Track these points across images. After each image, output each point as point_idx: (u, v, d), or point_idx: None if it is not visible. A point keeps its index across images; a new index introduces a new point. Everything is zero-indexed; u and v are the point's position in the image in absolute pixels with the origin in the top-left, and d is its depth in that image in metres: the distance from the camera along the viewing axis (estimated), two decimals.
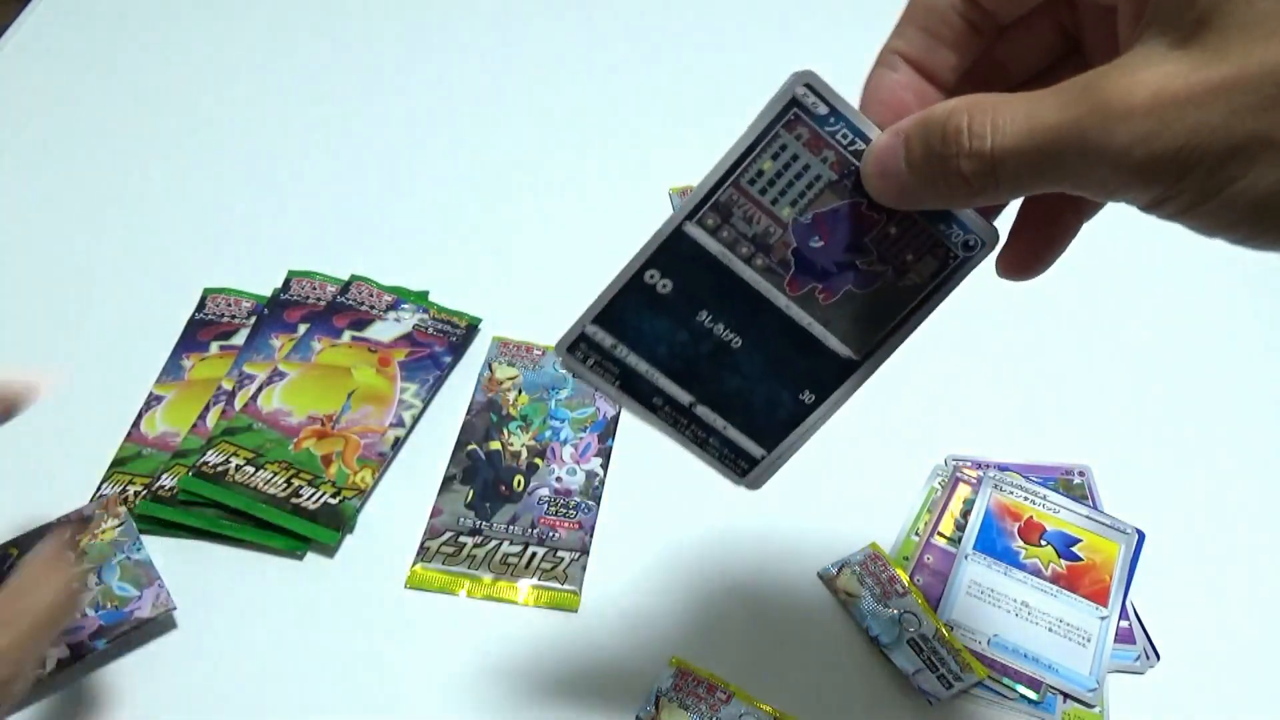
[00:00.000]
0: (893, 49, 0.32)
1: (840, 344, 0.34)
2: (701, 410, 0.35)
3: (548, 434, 0.55)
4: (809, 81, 0.31)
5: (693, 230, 0.32)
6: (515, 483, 0.53)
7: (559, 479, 0.53)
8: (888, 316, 0.33)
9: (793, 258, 0.32)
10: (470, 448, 0.55)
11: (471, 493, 0.53)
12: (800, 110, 0.31)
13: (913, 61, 0.31)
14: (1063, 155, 0.25)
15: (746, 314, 0.33)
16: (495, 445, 0.55)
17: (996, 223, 0.33)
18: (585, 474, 0.54)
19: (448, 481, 0.53)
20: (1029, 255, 0.34)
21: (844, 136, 0.31)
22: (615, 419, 0.57)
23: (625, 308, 0.33)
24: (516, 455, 0.54)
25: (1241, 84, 0.23)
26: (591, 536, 0.51)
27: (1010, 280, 0.35)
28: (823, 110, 0.31)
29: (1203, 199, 0.25)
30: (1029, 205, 0.34)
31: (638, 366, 0.34)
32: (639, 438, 0.56)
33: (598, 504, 0.53)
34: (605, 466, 0.54)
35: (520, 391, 0.57)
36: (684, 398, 0.35)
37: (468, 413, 0.56)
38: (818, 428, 0.35)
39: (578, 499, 0.53)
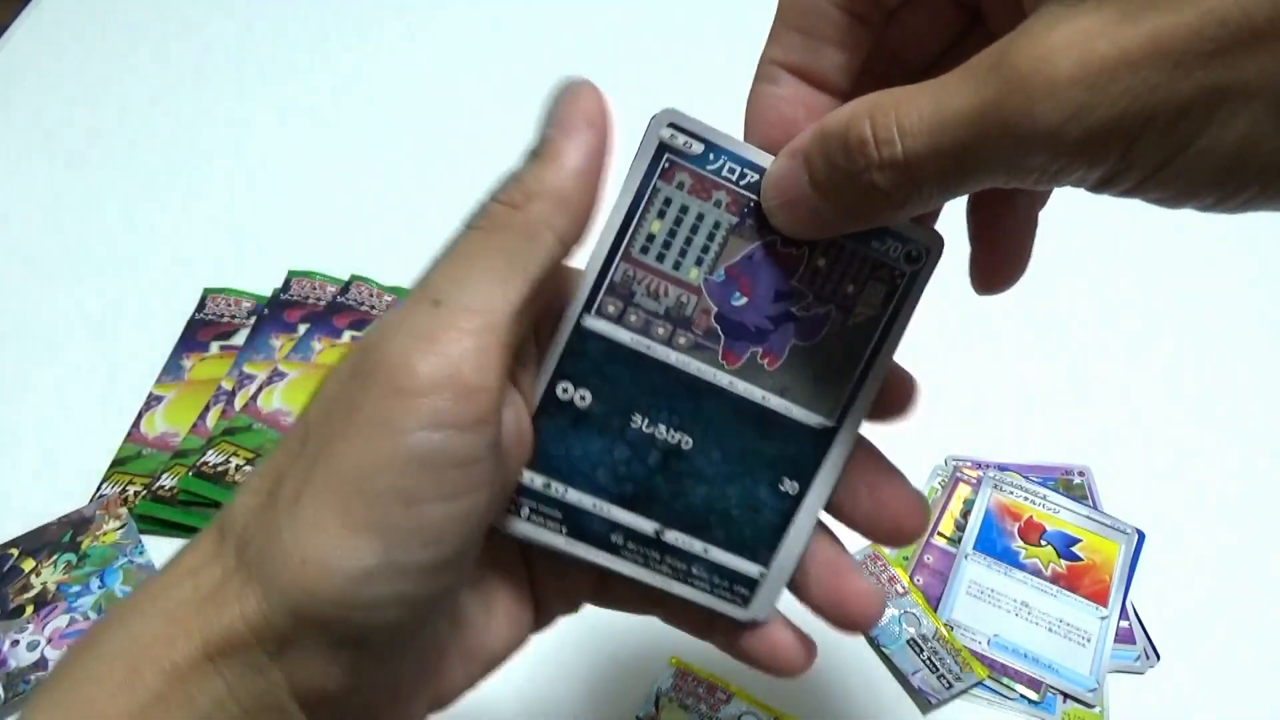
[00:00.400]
0: (770, 59, 0.27)
1: (805, 412, 0.28)
2: (672, 536, 0.29)
3: None
4: (673, 121, 0.27)
5: (594, 324, 0.27)
6: None
7: None
8: (850, 363, 0.28)
9: (718, 325, 0.28)
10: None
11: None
12: (672, 155, 0.27)
13: (795, 70, 0.27)
14: (986, 146, 0.22)
15: (687, 406, 0.28)
16: None
17: (943, 225, 0.29)
18: None
19: None
20: (997, 262, 0.30)
21: (731, 172, 0.27)
22: None
23: (545, 436, 0.28)
24: None
25: (1179, 34, 0.20)
26: None
27: (991, 294, 0.30)
28: (697, 149, 0.27)
29: (1158, 167, 0.21)
30: (974, 208, 0.30)
31: (581, 503, 0.28)
32: None
33: None
34: None
35: None
36: (646, 526, 0.28)
37: None
38: (813, 519, 0.29)
39: None
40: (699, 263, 0.28)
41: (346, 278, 0.62)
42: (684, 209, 0.27)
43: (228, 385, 0.56)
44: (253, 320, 0.60)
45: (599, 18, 0.86)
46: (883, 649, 0.47)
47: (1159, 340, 0.63)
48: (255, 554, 0.23)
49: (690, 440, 0.28)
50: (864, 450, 0.30)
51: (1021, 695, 0.46)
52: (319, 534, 0.23)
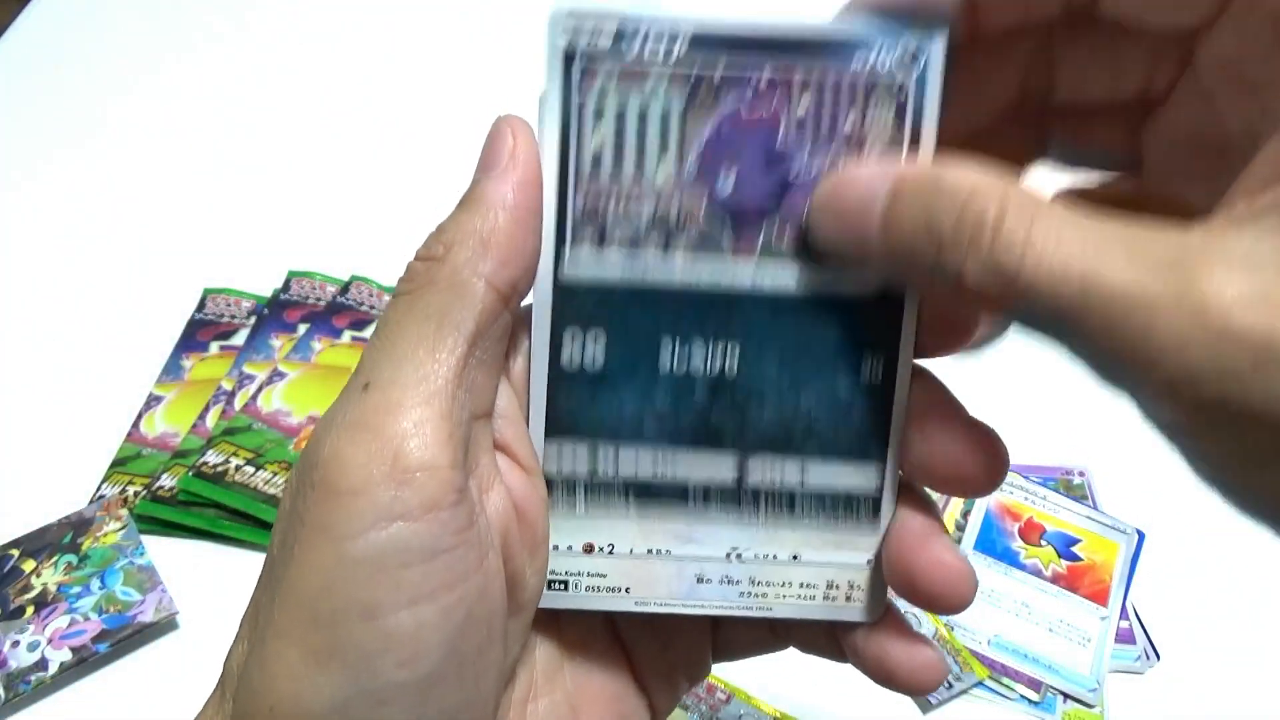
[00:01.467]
0: None
1: (849, 279, 0.23)
2: (758, 466, 0.24)
3: None
4: (572, 13, 0.23)
5: (575, 271, 0.23)
6: None
7: None
8: None
9: (714, 219, 0.23)
10: None
11: None
12: (585, 56, 0.23)
13: None
14: (1105, 330, 0.18)
15: (717, 320, 0.23)
16: None
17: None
18: None
19: None
20: (954, 323, 0.25)
21: (655, 50, 0.22)
22: None
23: (568, 409, 0.24)
24: None
25: None
26: None
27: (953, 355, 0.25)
28: (605, 41, 0.23)
29: (1242, 465, 0.18)
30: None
31: (639, 468, 0.24)
32: None
33: None
34: None
35: None
36: (727, 467, 0.24)
37: None
38: (905, 400, 0.24)
39: None
40: (666, 157, 0.23)
41: (346, 278, 0.62)
42: (623, 106, 0.23)
43: (228, 385, 0.56)
44: (253, 320, 0.60)
45: None
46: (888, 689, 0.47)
47: None
48: (239, 707, 0.21)
49: (736, 358, 0.24)
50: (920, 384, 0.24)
51: (1021, 695, 0.46)
52: (282, 673, 0.20)
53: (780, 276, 0.23)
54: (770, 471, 0.24)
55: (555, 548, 0.24)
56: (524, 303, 0.24)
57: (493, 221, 0.22)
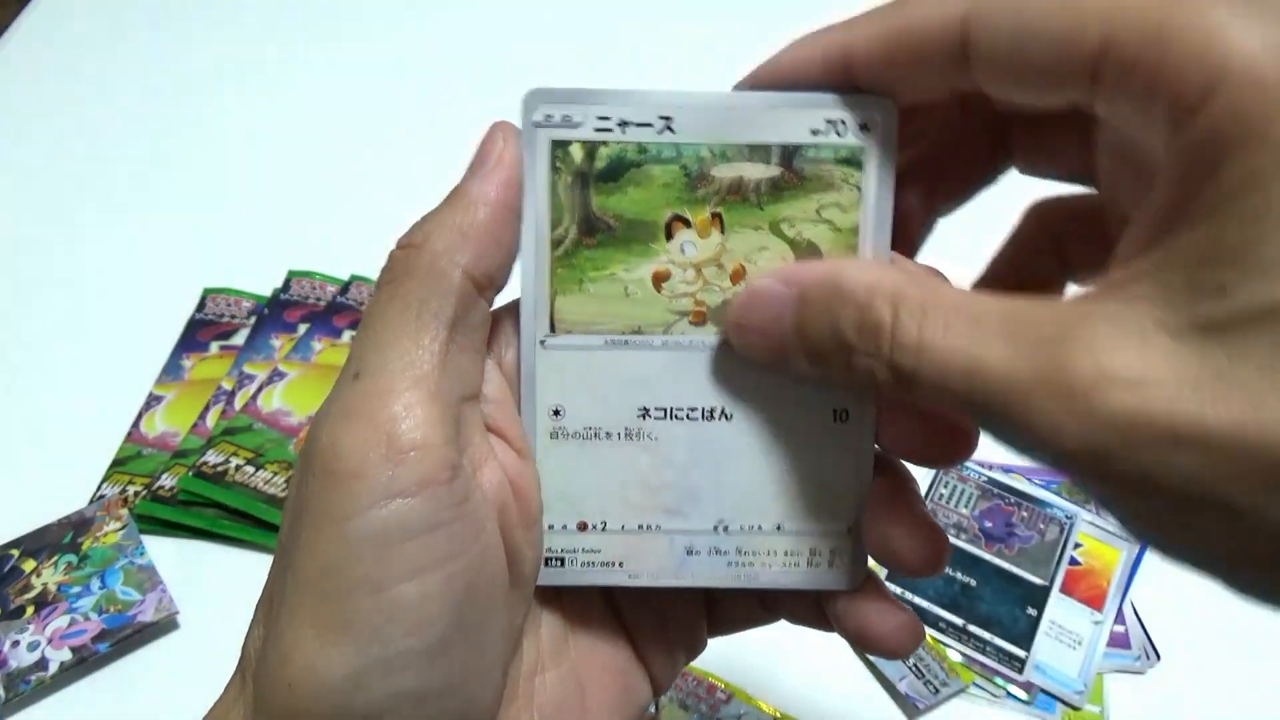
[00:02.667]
0: (840, 39, 0.23)
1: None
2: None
3: None
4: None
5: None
6: None
7: None
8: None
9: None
10: None
11: None
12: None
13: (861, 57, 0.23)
14: (994, 417, 0.19)
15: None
16: None
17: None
18: None
19: None
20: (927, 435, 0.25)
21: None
22: None
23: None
24: None
25: (1264, 444, 0.16)
26: None
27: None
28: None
29: (1140, 521, 0.19)
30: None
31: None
32: None
33: None
34: None
35: None
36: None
37: None
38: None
39: None
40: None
41: (346, 278, 0.62)
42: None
43: (228, 385, 0.56)
44: (253, 320, 0.60)
45: (598, 19, 0.86)
46: (868, 654, 0.47)
47: None
48: (259, 689, 0.22)
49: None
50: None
51: (1012, 694, 0.46)
52: (297, 650, 0.21)
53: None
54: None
55: (550, 526, 0.26)
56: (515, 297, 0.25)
57: (473, 215, 0.24)
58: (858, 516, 0.25)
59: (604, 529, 0.26)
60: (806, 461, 0.25)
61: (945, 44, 0.21)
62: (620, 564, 0.26)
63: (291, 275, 0.63)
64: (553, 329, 0.25)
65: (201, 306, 0.61)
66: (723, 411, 0.25)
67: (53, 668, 0.45)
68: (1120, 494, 0.18)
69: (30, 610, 0.46)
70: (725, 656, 0.47)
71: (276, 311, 0.60)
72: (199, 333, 0.60)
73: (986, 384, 0.19)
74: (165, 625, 0.47)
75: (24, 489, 0.52)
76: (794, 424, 0.25)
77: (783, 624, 0.43)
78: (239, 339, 0.59)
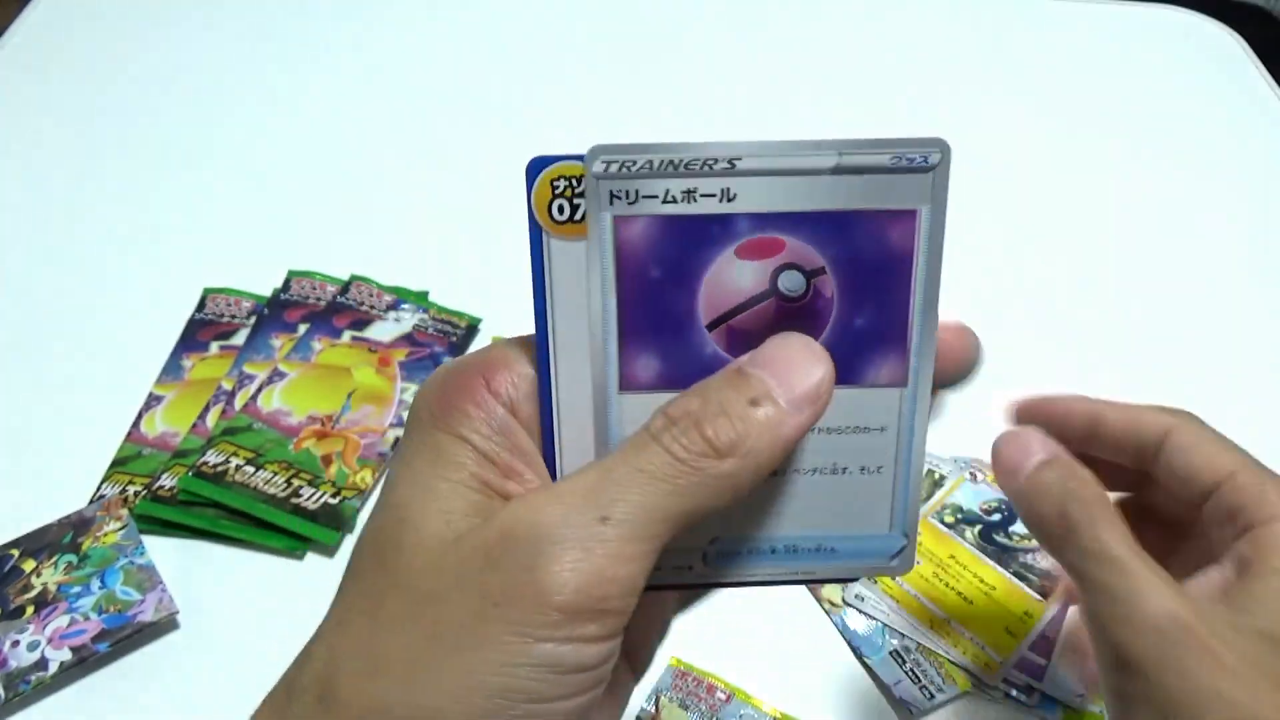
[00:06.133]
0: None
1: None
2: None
3: None
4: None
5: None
6: None
7: None
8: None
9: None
10: None
11: None
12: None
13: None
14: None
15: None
16: None
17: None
18: None
19: None
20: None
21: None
22: None
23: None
24: None
25: None
26: None
27: None
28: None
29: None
30: None
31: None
32: None
33: None
34: None
35: None
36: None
37: None
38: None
39: None
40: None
41: (346, 278, 0.62)
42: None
43: (228, 385, 0.56)
44: (253, 320, 0.60)
45: (597, 20, 0.86)
46: (865, 659, 0.47)
47: (1160, 344, 0.63)
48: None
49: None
50: None
51: (1012, 696, 0.46)
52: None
53: None
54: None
55: None
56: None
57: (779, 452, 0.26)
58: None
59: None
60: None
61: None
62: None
63: (291, 275, 0.63)
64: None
65: (201, 306, 0.61)
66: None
67: (53, 668, 0.45)
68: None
69: (30, 610, 0.46)
70: (725, 657, 0.47)
71: (276, 311, 0.60)
72: (199, 333, 0.60)
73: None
74: (165, 625, 0.47)
75: (24, 489, 0.52)
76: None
77: (782, 625, 0.43)
78: (239, 339, 0.59)
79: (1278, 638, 0.29)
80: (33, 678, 0.44)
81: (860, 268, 0.25)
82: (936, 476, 0.54)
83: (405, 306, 0.61)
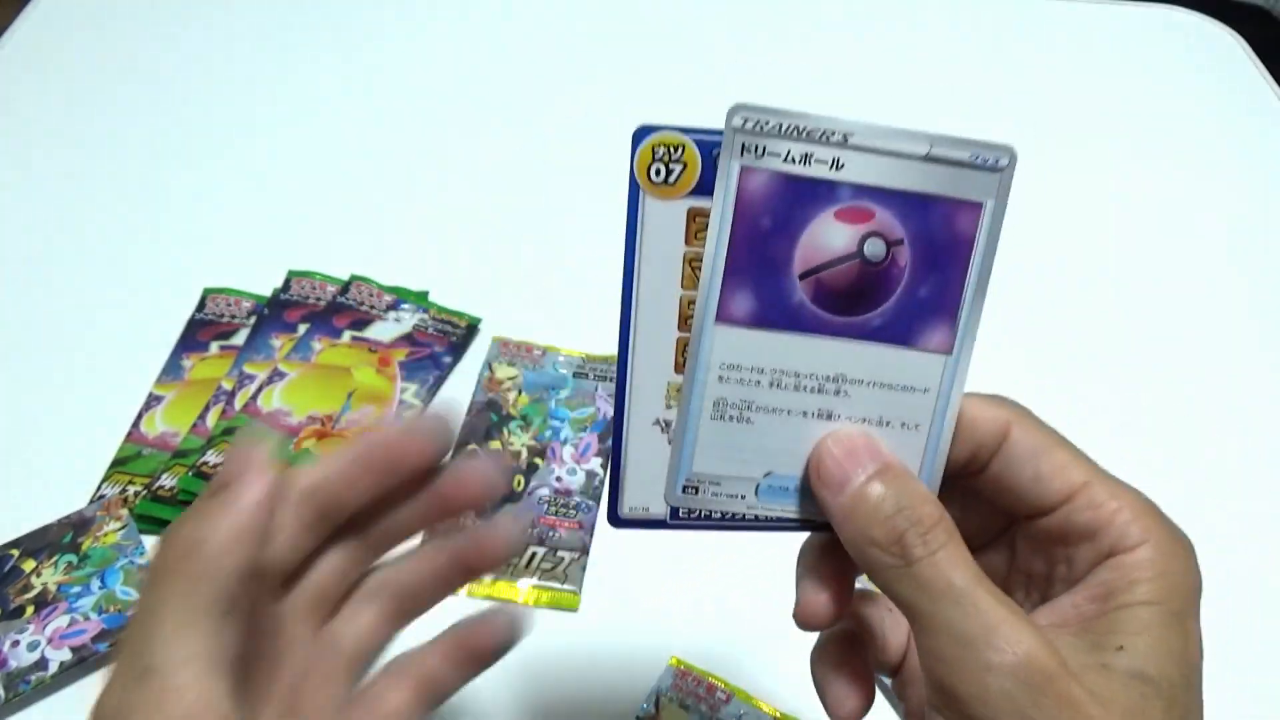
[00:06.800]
0: None
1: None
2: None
3: (548, 434, 0.55)
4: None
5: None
6: (515, 483, 0.53)
7: (559, 479, 0.53)
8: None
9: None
10: (470, 448, 0.55)
11: None
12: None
13: None
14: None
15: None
16: (495, 445, 0.55)
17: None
18: (585, 473, 0.54)
19: None
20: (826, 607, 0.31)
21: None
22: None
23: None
24: (517, 455, 0.54)
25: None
26: (592, 536, 0.52)
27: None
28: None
29: None
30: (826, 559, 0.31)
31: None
32: None
33: (598, 503, 0.53)
34: (605, 466, 0.54)
35: (520, 391, 0.57)
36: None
37: (468, 413, 0.56)
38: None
39: (578, 498, 0.53)
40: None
41: (346, 278, 0.62)
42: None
43: (228, 385, 0.56)
44: (253, 320, 0.60)
45: (597, 20, 0.86)
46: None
47: (1161, 344, 0.63)
48: None
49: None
50: None
51: None
52: None
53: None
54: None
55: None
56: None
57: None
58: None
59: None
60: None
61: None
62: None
63: (291, 275, 0.63)
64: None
65: (201, 306, 0.61)
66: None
67: (53, 668, 0.45)
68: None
69: (30, 610, 0.46)
70: (725, 656, 0.47)
71: (276, 311, 0.60)
72: (199, 333, 0.60)
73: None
74: None
75: (24, 489, 0.52)
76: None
77: (782, 625, 0.42)
78: (239, 339, 0.59)
79: (1150, 678, 0.25)
80: (33, 678, 0.44)
81: (931, 245, 0.29)
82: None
83: (405, 306, 0.61)
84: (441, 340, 0.59)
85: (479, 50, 0.82)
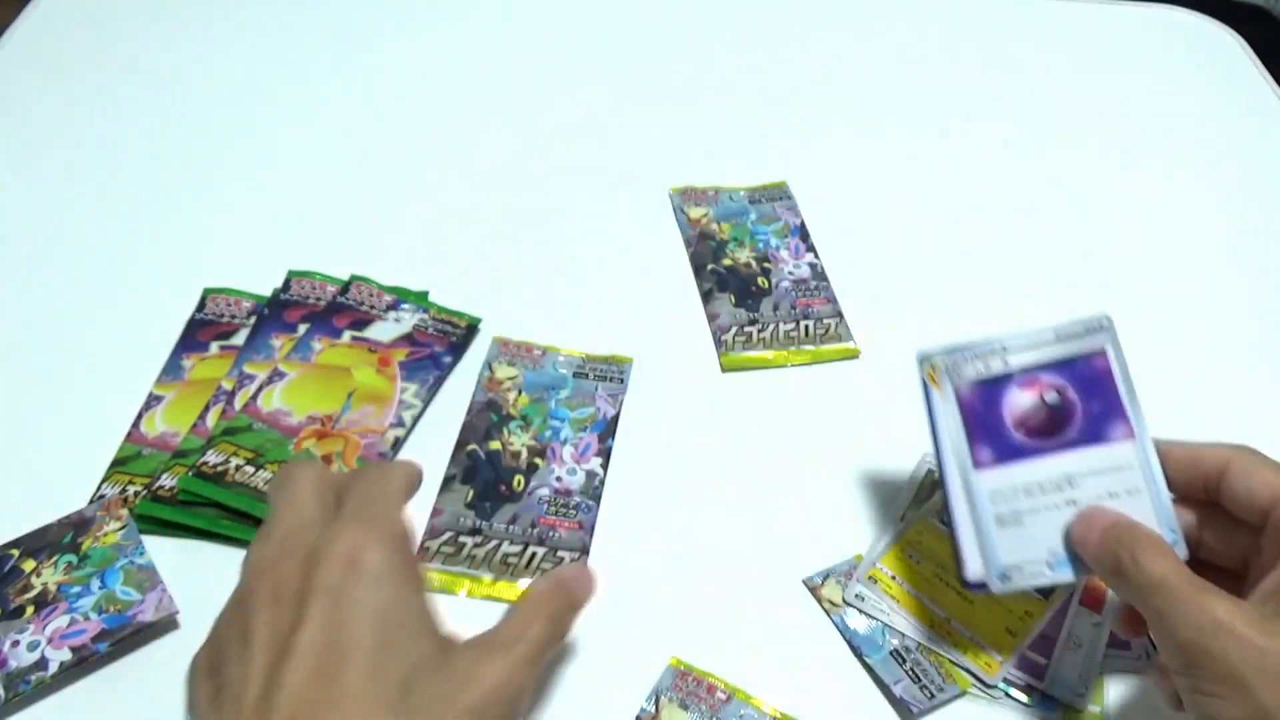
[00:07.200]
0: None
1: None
2: None
3: (548, 434, 0.55)
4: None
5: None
6: (515, 482, 0.53)
7: (559, 479, 0.53)
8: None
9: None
10: (470, 448, 0.55)
11: (471, 492, 0.53)
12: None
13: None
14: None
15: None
16: (495, 445, 0.55)
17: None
18: (585, 474, 0.54)
19: (448, 482, 0.53)
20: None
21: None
22: (615, 419, 0.57)
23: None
24: (516, 455, 0.54)
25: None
26: (591, 536, 0.52)
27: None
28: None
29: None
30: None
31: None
32: (639, 437, 0.56)
33: (598, 503, 0.53)
34: (605, 466, 0.54)
35: (520, 391, 0.57)
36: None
37: (468, 412, 0.56)
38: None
39: (578, 498, 0.53)
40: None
41: (346, 278, 0.62)
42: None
43: (228, 385, 0.56)
44: (253, 320, 0.60)
45: (597, 20, 0.86)
46: (865, 659, 0.47)
47: (1163, 345, 0.63)
48: None
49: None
50: None
51: (1011, 696, 0.46)
52: None
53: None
54: None
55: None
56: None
57: None
58: None
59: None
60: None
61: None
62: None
63: (291, 275, 0.63)
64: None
65: (201, 306, 0.61)
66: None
67: (53, 668, 0.45)
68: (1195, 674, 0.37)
69: (30, 610, 0.46)
70: (725, 657, 0.47)
71: (276, 311, 0.60)
72: (199, 333, 0.60)
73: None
74: (165, 625, 0.47)
75: (24, 489, 0.52)
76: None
77: (782, 625, 0.43)
78: (239, 339, 0.59)
79: None
80: (33, 678, 0.44)
81: (1087, 381, 0.44)
82: (937, 476, 0.54)
83: (405, 306, 0.61)
84: (441, 340, 0.59)
85: (479, 50, 0.82)
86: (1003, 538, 0.43)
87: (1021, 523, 0.43)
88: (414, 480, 0.41)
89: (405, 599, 0.36)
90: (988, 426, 0.44)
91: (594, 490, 0.53)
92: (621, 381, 0.58)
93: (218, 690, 0.35)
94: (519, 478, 0.53)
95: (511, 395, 0.57)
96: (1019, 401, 0.44)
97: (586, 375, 0.58)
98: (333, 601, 0.34)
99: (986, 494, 0.43)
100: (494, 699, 0.36)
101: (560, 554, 0.50)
